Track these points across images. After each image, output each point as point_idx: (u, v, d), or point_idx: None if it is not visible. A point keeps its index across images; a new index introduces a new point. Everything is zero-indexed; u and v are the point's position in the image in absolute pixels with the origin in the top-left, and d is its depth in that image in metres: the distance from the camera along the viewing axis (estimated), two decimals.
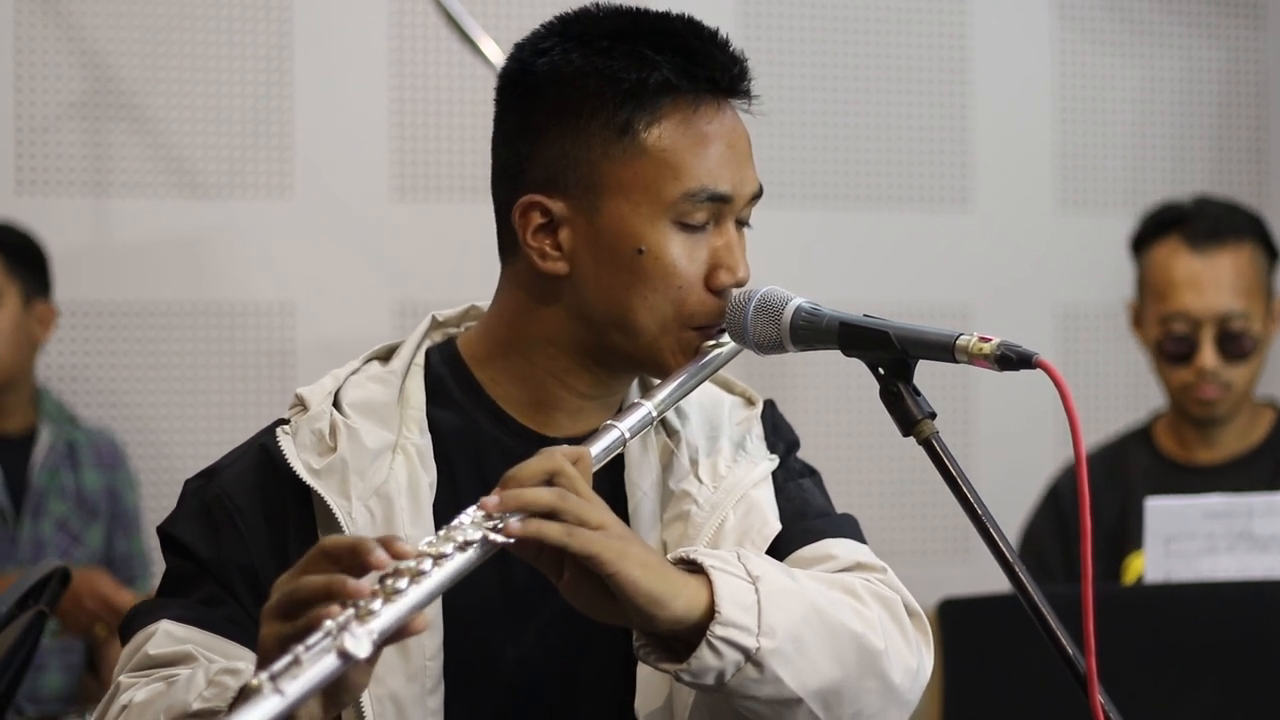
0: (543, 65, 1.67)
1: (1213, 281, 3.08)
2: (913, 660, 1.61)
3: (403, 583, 1.36)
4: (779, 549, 1.68)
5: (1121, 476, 3.20)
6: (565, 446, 1.53)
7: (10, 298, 3.45)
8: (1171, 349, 3.11)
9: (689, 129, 1.65)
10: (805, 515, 1.73)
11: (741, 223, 1.70)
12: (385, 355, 1.77)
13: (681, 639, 1.50)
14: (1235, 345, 3.08)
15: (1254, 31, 4.48)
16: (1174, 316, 3.10)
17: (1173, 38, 4.43)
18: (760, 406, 1.81)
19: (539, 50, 1.68)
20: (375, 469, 1.65)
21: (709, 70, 1.66)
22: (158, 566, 3.51)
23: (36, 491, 3.47)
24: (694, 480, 1.70)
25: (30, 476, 3.47)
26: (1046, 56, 4.35)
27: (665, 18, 1.69)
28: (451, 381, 1.73)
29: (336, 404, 1.69)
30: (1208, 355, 3.07)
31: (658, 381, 1.68)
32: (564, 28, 1.69)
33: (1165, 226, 3.17)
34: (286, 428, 1.69)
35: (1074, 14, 4.36)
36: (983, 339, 1.51)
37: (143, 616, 1.63)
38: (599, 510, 1.49)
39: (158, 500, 3.74)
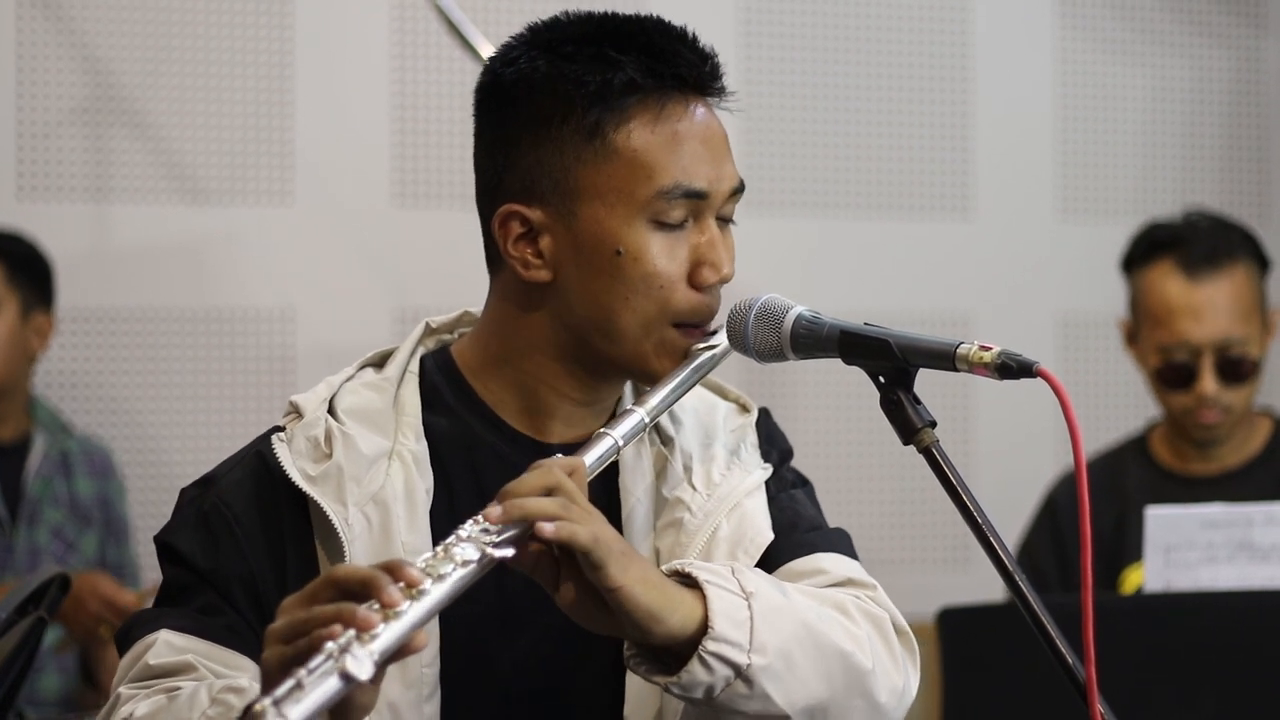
0: (511, 75, 1.67)
1: (1211, 309, 3.04)
2: (899, 679, 1.62)
3: (403, 602, 1.35)
4: (770, 559, 1.68)
5: (1118, 488, 3.17)
6: (560, 458, 1.53)
7: (9, 308, 3.46)
8: (1171, 376, 3.08)
9: (658, 127, 1.64)
10: (797, 527, 1.73)
11: (725, 220, 1.69)
12: (379, 362, 1.76)
13: (673, 651, 1.50)
14: (1235, 370, 3.05)
15: (1258, 39, 4.48)
16: (1174, 346, 3.06)
17: (1177, 45, 4.43)
18: (755, 414, 1.80)
19: (507, 61, 1.69)
20: (371, 475, 1.65)
21: (675, 67, 1.66)
22: (149, 573, 3.52)
23: (32, 499, 3.48)
24: (687, 487, 1.70)
25: (25, 484, 3.49)
26: (1049, 62, 4.34)
27: (631, 19, 1.69)
28: (446, 389, 1.73)
29: (332, 411, 1.69)
30: (1208, 382, 3.04)
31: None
32: (532, 36, 1.70)
33: (1158, 248, 3.12)
34: (282, 435, 1.68)
35: (1077, 19, 4.35)
36: (983, 347, 1.51)
37: (141, 626, 1.63)
38: (598, 523, 1.48)
39: (156, 506, 3.73)
